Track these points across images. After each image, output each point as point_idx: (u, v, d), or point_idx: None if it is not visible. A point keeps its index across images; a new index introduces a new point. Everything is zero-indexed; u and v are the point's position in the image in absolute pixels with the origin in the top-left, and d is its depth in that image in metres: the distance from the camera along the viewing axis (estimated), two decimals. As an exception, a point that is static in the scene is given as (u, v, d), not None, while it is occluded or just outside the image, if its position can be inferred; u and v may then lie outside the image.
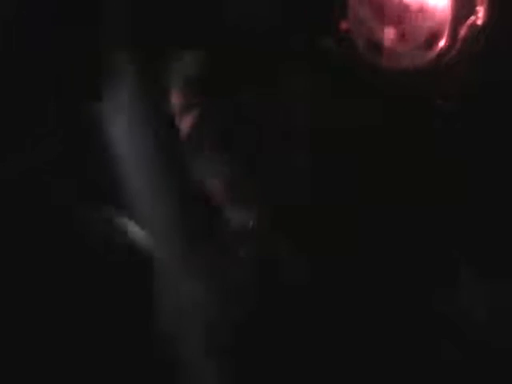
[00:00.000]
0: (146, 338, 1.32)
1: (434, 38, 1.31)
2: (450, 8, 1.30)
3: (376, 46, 1.33)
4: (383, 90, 1.38)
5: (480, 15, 1.32)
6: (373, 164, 1.38)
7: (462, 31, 1.32)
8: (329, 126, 1.40)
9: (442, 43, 1.32)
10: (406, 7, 1.30)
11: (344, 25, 1.35)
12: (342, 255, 1.38)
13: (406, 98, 1.37)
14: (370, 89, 1.39)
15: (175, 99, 1.41)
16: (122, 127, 1.36)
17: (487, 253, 1.36)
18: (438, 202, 1.36)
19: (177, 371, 1.34)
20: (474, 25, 1.32)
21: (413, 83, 1.35)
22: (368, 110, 1.40)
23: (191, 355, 1.35)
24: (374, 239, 1.37)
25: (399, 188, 1.38)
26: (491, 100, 1.36)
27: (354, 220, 1.38)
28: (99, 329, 1.31)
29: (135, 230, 1.35)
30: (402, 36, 1.32)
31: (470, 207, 1.36)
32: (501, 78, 1.35)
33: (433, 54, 1.32)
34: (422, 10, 1.30)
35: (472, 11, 1.32)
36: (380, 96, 1.39)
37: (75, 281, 1.31)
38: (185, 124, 1.39)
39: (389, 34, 1.32)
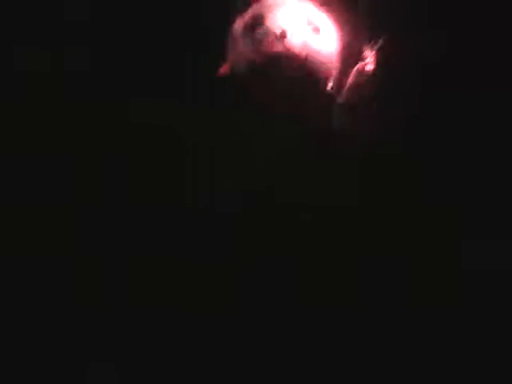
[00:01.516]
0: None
1: (322, 83, 1.26)
2: (337, 54, 1.26)
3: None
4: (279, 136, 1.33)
5: (369, 61, 1.28)
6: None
7: (351, 77, 1.28)
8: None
9: (329, 87, 1.27)
10: (294, 54, 1.23)
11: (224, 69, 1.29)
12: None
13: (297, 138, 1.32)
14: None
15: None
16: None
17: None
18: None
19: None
20: (362, 70, 1.28)
21: (306, 125, 1.30)
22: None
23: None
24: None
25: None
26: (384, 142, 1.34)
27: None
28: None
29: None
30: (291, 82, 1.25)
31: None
32: (390, 120, 1.32)
33: (321, 98, 1.27)
34: (308, 56, 1.24)
35: (360, 57, 1.28)
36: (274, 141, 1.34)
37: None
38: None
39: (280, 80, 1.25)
